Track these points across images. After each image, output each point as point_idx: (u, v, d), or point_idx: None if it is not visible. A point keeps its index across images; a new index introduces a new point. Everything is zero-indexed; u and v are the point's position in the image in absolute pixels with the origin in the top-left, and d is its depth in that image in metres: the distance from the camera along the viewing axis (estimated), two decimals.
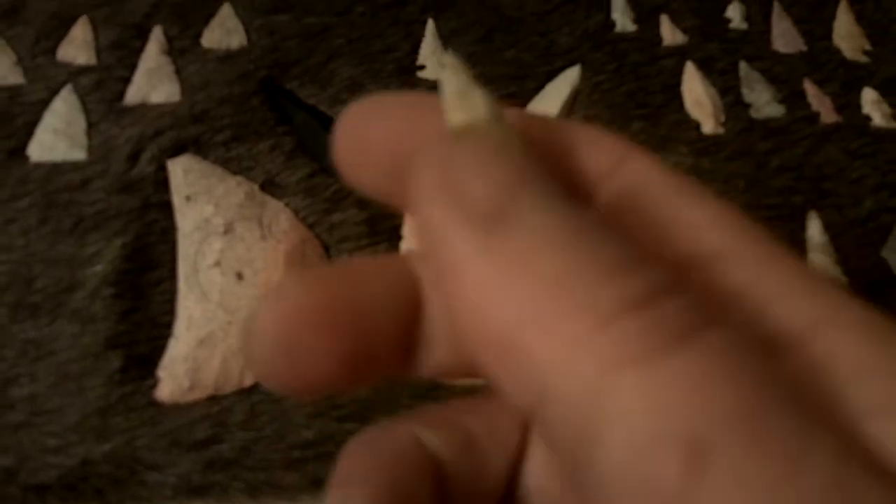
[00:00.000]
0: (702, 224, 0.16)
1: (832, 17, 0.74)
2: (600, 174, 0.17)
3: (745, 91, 0.67)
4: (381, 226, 0.56)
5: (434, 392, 0.49)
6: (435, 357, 0.18)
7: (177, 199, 0.55)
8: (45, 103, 0.59)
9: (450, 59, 0.18)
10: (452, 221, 0.14)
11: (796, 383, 0.13)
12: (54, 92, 0.60)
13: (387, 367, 0.18)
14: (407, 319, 0.18)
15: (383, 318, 0.17)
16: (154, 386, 0.49)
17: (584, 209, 0.14)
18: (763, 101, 0.66)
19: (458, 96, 0.17)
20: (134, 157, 0.57)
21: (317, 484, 0.48)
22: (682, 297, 0.13)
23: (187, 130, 0.58)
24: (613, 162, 0.17)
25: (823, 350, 0.14)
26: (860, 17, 0.74)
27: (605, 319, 0.12)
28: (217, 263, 0.52)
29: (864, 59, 0.71)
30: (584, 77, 0.63)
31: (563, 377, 0.13)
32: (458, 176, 0.14)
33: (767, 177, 0.61)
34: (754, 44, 0.70)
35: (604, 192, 0.17)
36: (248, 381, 0.50)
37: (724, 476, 0.11)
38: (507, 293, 0.13)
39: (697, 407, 0.12)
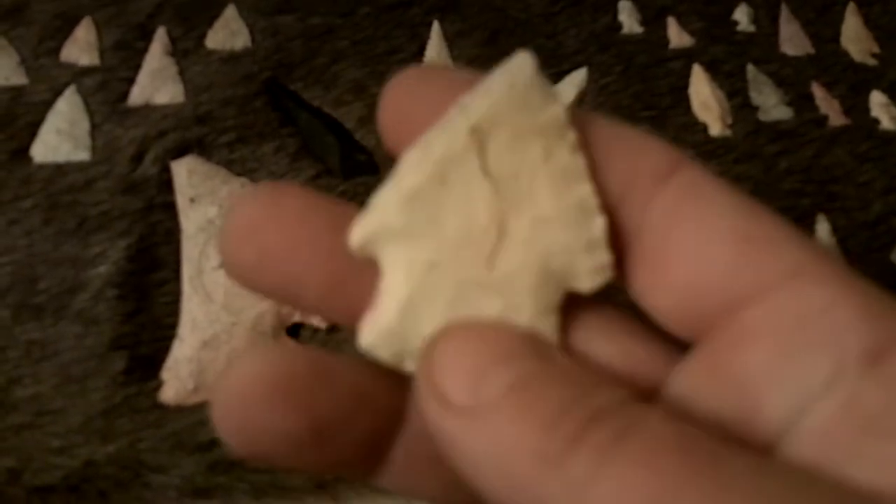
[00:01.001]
0: (779, 241, 0.18)
1: (840, 19, 0.73)
2: (654, 180, 0.19)
3: (752, 94, 0.66)
4: None
5: None
6: (408, 474, 0.21)
7: (181, 201, 0.54)
8: (48, 104, 0.59)
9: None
10: (439, 416, 0.17)
11: (716, 438, 0.16)
12: (58, 93, 0.59)
13: (347, 465, 0.20)
14: (374, 431, 0.20)
15: (342, 417, 0.20)
16: (158, 388, 0.49)
17: (540, 361, 0.18)
18: (771, 103, 0.66)
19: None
20: (138, 159, 0.57)
21: (321, 486, 0.47)
22: (607, 418, 0.16)
23: (191, 132, 0.58)
24: (666, 170, 0.19)
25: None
26: (868, 20, 0.74)
27: (554, 460, 0.16)
28: (221, 265, 0.52)
29: (872, 61, 0.71)
30: (590, 79, 0.63)
31: None
32: (437, 380, 0.17)
33: (775, 179, 0.61)
34: (762, 46, 0.70)
35: (660, 197, 0.19)
36: None
37: None
38: (487, 460, 0.17)
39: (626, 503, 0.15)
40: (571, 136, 0.19)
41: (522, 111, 0.19)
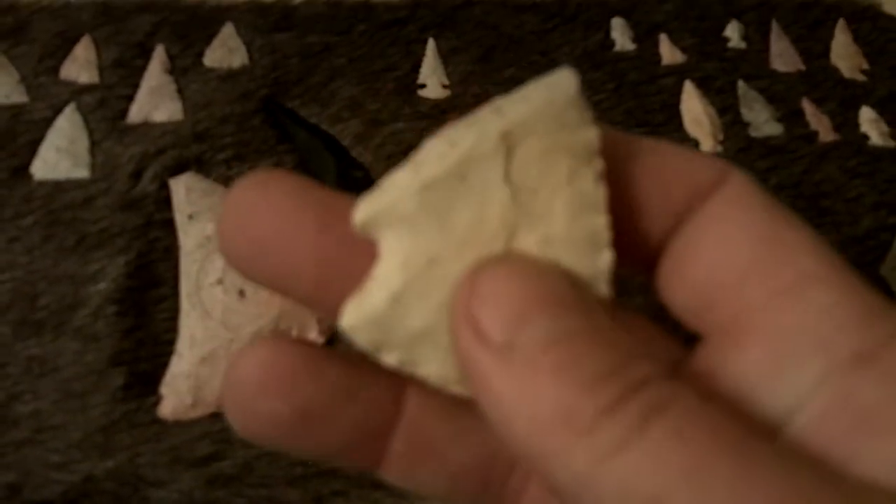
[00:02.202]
0: (797, 247, 0.19)
1: (830, 36, 0.74)
2: (699, 193, 0.19)
3: (743, 110, 0.67)
4: None
5: None
6: (409, 467, 0.21)
7: (179, 218, 0.55)
8: (48, 122, 0.59)
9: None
10: (474, 349, 0.17)
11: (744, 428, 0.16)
12: (57, 110, 0.60)
13: (345, 453, 0.21)
14: (368, 421, 0.20)
15: (329, 405, 0.20)
16: (157, 403, 0.49)
17: (585, 318, 0.17)
18: (761, 119, 0.67)
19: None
20: (136, 176, 0.57)
21: (318, 501, 0.48)
22: (647, 390, 0.16)
23: (189, 149, 0.59)
24: (712, 181, 0.19)
25: None
26: (857, 37, 0.74)
27: (585, 426, 0.16)
28: (219, 281, 0.52)
29: (861, 77, 0.72)
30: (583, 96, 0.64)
31: (562, 471, 0.16)
32: (476, 311, 0.17)
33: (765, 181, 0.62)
34: (752, 63, 0.71)
35: (706, 211, 0.19)
36: None
37: None
38: (517, 408, 0.17)
39: (657, 474, 0.15)
40: (598, 164, 0.19)
41: (557, 128, 0.18)
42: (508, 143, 0.18)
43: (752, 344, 0.18)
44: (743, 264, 0.19)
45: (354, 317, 0.18)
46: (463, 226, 0.18)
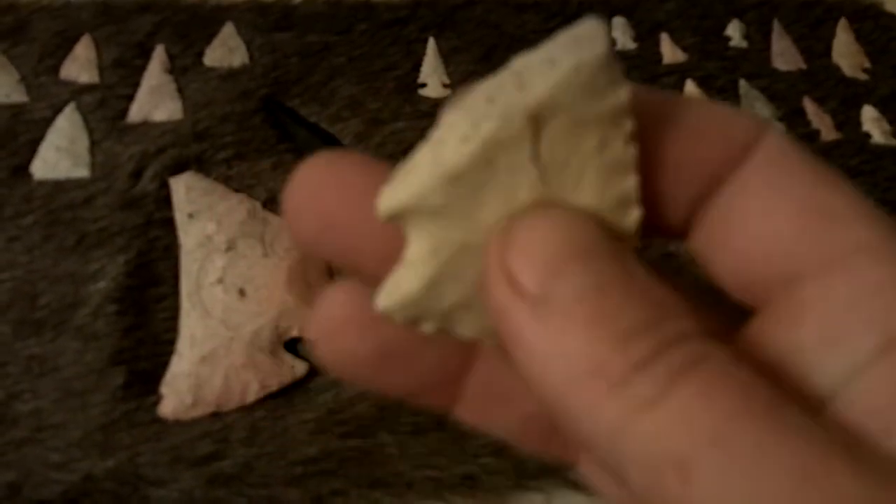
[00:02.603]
0: (846, 215, 0.18)
1: (831, 35, 0.74)
2: (735, 154, 0.19)
3: (745, 109, 0.67)
4: None
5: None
6: (481, 409, 0.22)
7: (179, 217, 0.55)
8: (48, 121, 0.59)
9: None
10: (508, 300, 0.17)
11: (772, 391, 0.16)
12: (58, 110, 0.60)
13: (422, 392, 0.21)
14: (444, 364, 0.21)
15: (408, 347, 0.21)
16: (157, 402, 0.49)
17: (620, 268, 0.17)
18: (763, 118, 0.67)
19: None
20: (137, 175, 0.57)
21: (318, 500, 0.48)
22: (679, 347, 0.16)
23: (189, 148, 0.59)
24: (748, 140, 0.19)
25: None
26: (859, 36, 0.74)
27: (616, 381, 0.16)
28: (219, 280, 0.52)
29: (863, 76, 0.72)
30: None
31: (591, 426, 0.16)
32: (511, 262, 0.17)
33: None
34: (754, 62, 0.71)
35: (746, 173, 0.19)
36: (250, 398, 0.50)
37: (707, 485, 0.15)
38: (550, 361, 0.16)
39: (684, 435, 0.15)
40: (629, 125, 0.18)
41: (586, 97, 0.17)
42: (536, 124, 0.17)
43: (801, 318, 0.18)
44: (791, 234, 0.18)
45: (390, 300, 0.18)
46: (492, 211, 0.18)
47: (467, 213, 0.18)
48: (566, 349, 0.16)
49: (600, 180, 0.18)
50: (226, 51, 0.65)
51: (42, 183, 0.57)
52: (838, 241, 0.18)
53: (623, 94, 0.17)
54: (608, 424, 0.16)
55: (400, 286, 0.18)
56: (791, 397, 0.16)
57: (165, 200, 0.56)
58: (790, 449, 0.15)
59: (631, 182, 0.18)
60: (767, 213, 0.18)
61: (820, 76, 0.71)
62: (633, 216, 0.18)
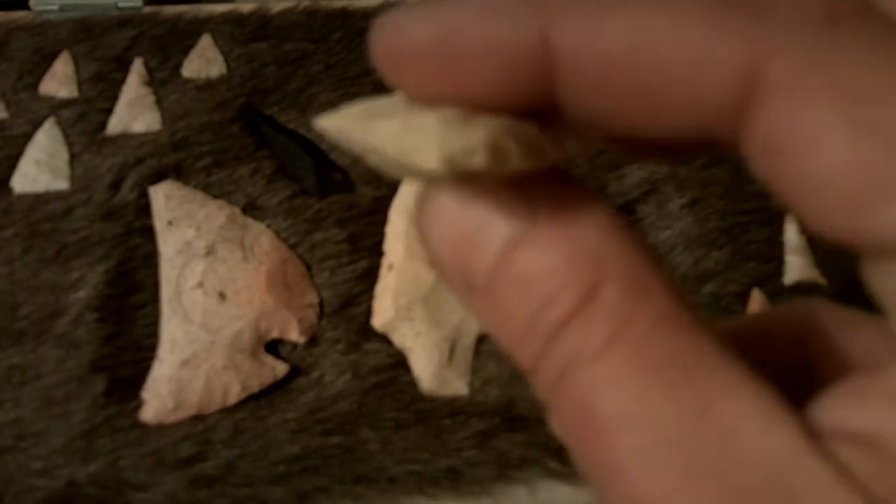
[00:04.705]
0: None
1: None
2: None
3: None
4: (361, 243, 0.56)
5: (416, 405, 0.50)
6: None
7: (159, 225, 0.55)
8: (27, 136, 0.60)
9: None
10: (463, 290, 0.17)
11: None
12: (37, 125, 0.60)
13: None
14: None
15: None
16: (138, 407, 0.50)
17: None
18: None
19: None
20: (116, 185, 0.58)
21: (302, 497, 0.48)
22: (605, 303, 0.16)
23: (168, 158, 0.59)
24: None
25: None
26: None
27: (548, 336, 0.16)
28: (199, 285, 0.52)
29: None
30: None
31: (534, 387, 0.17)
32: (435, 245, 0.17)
33: (744, 182, 0.62)
34: None
35: (790, 78, 0.15)
36: (231, 400, 0.50)
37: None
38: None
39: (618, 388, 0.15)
40: None
41: None
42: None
43: None
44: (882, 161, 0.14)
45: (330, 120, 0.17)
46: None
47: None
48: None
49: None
50: (203, 62, 0.65)
51: (22, 197, 0.57)
52: None
53: None
54: (542, 385, 0.16)
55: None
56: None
57: (145, 209, 0.56)
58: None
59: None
60: (846, 131, 0.14)
61: None
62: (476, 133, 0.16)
